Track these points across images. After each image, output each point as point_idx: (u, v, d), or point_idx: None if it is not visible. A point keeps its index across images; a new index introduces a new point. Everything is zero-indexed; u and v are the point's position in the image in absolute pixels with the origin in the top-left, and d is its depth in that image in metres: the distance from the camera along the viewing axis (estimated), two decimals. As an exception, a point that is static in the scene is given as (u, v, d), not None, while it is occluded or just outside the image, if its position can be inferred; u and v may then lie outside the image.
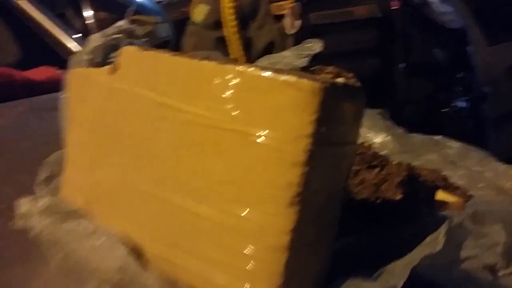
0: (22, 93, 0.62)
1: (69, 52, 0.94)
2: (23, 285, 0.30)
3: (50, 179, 0.33)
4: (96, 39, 0.51)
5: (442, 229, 0.22)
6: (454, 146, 0.44)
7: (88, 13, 1.22)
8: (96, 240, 0.23)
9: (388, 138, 0.45)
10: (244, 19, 1.37)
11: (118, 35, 0.51)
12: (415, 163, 0.39)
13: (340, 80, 0.22)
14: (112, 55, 0.49)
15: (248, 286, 0.22)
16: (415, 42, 0.82)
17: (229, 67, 0.22)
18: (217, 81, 0.23)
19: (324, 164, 0.21)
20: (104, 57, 0.49)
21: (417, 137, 0.45)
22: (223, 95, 0.22)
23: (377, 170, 0.34)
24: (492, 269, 0.23)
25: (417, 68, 0.80)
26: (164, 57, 0.25)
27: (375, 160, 0.35)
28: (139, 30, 0.56)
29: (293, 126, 0.20)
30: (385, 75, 0.78)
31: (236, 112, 0.22)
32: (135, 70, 0.26)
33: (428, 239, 0.23)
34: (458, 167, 0.42)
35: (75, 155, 0.30)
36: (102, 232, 0.24)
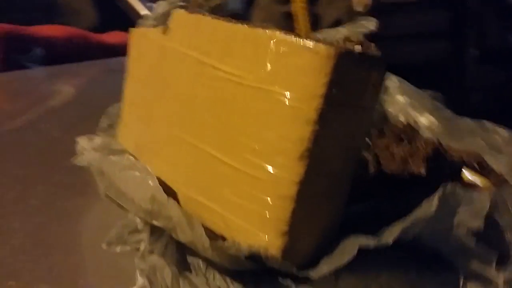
0: (97, 55, 0.68)
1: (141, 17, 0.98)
2: (82, 213, 0.34)
3: (110, 126, 0.37)
4: (162, 5, 0.55)
5: (436, 196, 0.24)
6: (502, 133, 0.44)
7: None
8: (134, 172, 0.27)
9: (434, 119, 0.45)
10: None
11: (182, 3, 0.55)
12: (456, 145, 0.40)
13: (358, 48, 0.24)
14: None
15: (259, 231, 0.24)
16: (490, 27, 0.78)
17: (260, 31, 0.25)
18: (248, 43, 0.25)
19: (336, 124, 0.23)
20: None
21: (465, 121, 0.44)
22: (253, 56, 0.25)
23: (405, 143, 0.35)
24: (476, 234, 0.24)
25: (490, 55, 0.77)
26: (206, 20, 0.28)
27: (405, 134, 0.36)
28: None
29: (308, 86, 0.22)
30: (455, 60, 0.76)
31: (262, 72, 0.24)
32: (182, 31, 0.29)
33: (422, 204, 0.24)
34: (502, 154, 0.42)
35: (130, 106, 0.34)
36: (139, 166, 0.27)
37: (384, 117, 0.50)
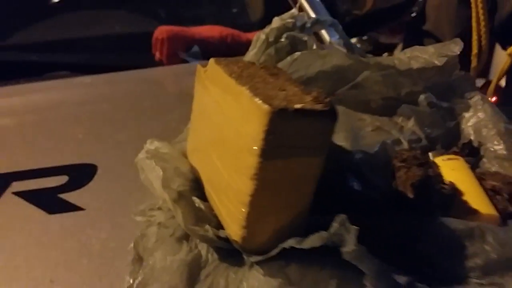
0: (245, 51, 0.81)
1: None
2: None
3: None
4: (275, 21, 0.65)
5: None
6: None
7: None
8: (156, 171, 0.39)
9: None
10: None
11: (291, 20, 0.65)
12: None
13: (298, 106, 0.31)
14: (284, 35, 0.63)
15: (232, 224, 0.35)
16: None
17: (241, 89, 0.34)
18: (236, 96, 0.35)
19: (277, 159, 0.32)
20: (276, 38, 0.64)
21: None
22: (236, 105, 0.35)
23: (405, 169, 0.40)
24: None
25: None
26: (221, 74, 0.38)
27: (406, 161, 0.41)
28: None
29: (256, 131, 0.32)
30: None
31: (239, 117, 0.34)
32: (212, 75, 0.41)
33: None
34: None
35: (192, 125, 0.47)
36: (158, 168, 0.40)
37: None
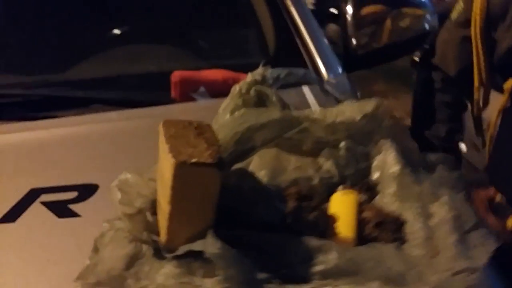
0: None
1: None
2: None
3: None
4: (248, 76, 0.84)
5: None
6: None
7: (348, 9, 1.50)
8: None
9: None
10: (492, 20, 1.45)
11: (260, 76, 0.83)
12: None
13: (200, 158, 0.50)
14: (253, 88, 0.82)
15: (162, 235, 0.54)
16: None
17: (168, 148, 0.54)
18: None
19: (186, 193, 0.51)
20: (247, 90, 0.83)
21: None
22: (167, 158, 0.54)
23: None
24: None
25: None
26: (161, 133, 0.57)
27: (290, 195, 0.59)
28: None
29: (168, 175, 0.51)
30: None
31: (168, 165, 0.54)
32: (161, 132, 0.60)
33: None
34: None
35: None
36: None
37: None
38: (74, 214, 0.65)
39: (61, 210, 0.65)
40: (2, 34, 1.39)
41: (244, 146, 0.71)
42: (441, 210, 0.62)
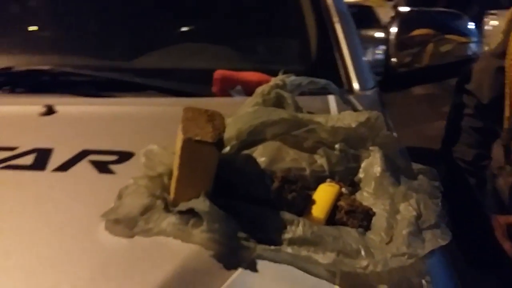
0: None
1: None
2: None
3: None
4: (273, 80, 0.98)
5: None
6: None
7: (393, 29, 1.60)
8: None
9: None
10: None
11: (281, 81, 0.97)
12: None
13: (203, 137, 0.65)
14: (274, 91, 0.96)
15: (171, 193, 0.69)
16: None
17: (180, 125, 0.69)
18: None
19: (190, 164, 0.66)
20: (268, 92, 0.97)
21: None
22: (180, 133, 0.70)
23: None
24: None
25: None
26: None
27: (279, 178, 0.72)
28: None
29: (179, 145, 0.66)
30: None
31: (179, 137, 0.69)
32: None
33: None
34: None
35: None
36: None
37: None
38: (111, 172, 0.81)
39: (102, 168, 0.82)
40: (87, 25, 1.61)
41: (256, 137, 0.85)
42: (406, 209, 0.73)
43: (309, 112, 0.95)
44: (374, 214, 0.73)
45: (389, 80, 1.56)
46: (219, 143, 0.67)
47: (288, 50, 1.46)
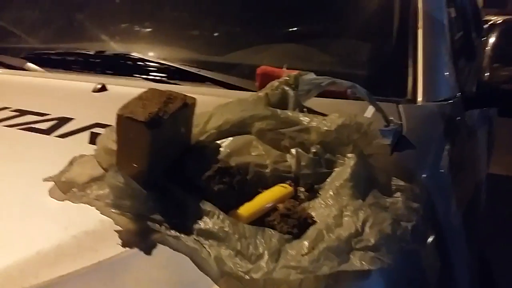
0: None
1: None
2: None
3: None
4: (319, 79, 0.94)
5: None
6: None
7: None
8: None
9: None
10: None
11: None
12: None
13: (139, 117, 0.66)
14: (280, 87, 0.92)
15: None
16: None
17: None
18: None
19: (124, 144, 0.67)
20: (276, 87, 0.93)
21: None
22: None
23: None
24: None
25: None
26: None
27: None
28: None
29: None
30: None
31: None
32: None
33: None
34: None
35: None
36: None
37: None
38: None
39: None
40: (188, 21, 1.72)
41: (240, 130, 0.83)
42: (348, 224, 0.65)
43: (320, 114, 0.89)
44: (313, 223, 0.67)
45: (479, 96, 1.37)
46: (152, 123, 0.67)
47: (357, 53, 1.38)
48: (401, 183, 0.74)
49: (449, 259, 1.02)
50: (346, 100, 1.11)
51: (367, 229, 0.64)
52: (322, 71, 1.17)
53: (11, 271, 0.56)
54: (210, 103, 0.89)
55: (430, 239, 0.96)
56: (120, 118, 0.68)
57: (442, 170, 1.08)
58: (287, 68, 1.15)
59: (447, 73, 1.32)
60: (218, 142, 0.80)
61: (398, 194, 0.73)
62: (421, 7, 1.38)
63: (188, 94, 0.91)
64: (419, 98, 1.20)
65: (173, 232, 0.63)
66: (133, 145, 0.69)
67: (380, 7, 1.45)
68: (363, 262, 0.60)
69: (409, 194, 0.73)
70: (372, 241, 0.63)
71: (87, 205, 0.68)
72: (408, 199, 0.72)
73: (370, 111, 1.05)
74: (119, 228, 0.64)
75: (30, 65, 1.48)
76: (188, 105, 0.76)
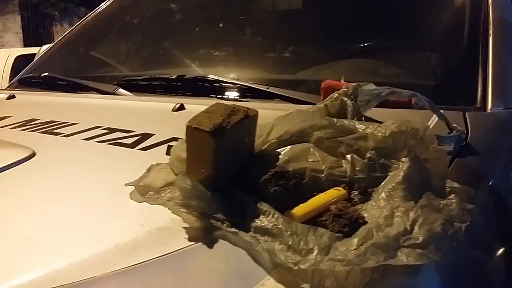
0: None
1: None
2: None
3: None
4: (379, 89, 0.99)
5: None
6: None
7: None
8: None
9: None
10: None
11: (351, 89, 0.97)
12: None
13: (205, 127, 0.74)
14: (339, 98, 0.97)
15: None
16: None
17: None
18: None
19: (193, 152, 0.76)
20: (336, 98, 0.98)
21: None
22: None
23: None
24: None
25: None
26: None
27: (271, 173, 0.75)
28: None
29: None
30: None
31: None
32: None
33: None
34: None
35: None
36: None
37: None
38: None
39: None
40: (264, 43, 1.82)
41: (299, 139, 0.89)
42: (398, 223, 0.68)
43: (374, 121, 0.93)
44: (364, 223, 0.70)
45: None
46: (216, 132, 0.75)
47: (425, 63, 1.38)
48: (456, 185, 0.75)
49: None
50: (411, 110, 1.13)
51: (416, 228, 0.67)
52: (390, 83, 1.20)
53: (95, 259, 0.66)
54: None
55: (500, 251, 0.95)
56: (189, 129, 0.77)
57: (514, 177, 1.06)
58: (348, 81, 1.19)
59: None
60: (278, 150, 0.87)
61: (452, 196, 0.74)
62: (492, 13, 1.36)
63: (258, 110, 1.00)
64: (489, 105, 1.18)
65: (233, 229, 0.70)
66: (200, 153, 0.78)
67: (449, 15, 1.45)
68: (409, 258, 0.62)
69: (464, 195, 0.74)
70: (421, 239, 0.65)
71: (161, 206, 0.76)
72: (463, 200, 0.73)
73: (434, 120, 1.06)
74: (186, 225, 0.73)
75: (121, 90, 1.64)
76: (250, 117, 0.83)
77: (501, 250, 0.94)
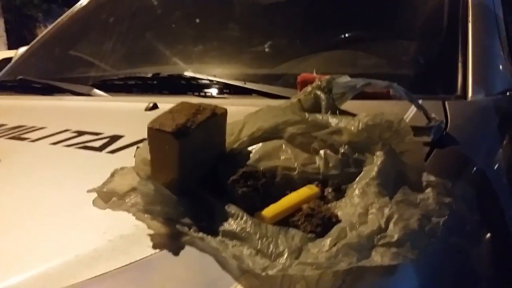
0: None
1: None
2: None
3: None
4: (353, 81, 0.95)
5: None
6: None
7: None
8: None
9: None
10: None
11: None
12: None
13: (167, 128, 0.70)
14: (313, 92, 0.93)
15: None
16: None
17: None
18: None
19: (156, 154, 0.72)
20: (309, 92, 0.94)
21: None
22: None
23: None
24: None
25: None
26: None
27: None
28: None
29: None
30: None
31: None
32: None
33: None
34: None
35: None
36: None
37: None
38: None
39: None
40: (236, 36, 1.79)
41: (272, 136, 0.85)
42: (372, 221, 0.64)
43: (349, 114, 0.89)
44: (337, 222, 0.67)
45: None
46: (179, 133, 0.71)
47: (404, 53, 1.35)
48: (433, 178, 0.72)
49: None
50: (389, 100, 1.09)
51: (391, 226, 0.63)
52: (368, 74, 1.16)
53: (52, 272, 0.62)
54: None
55: (486, 237, 0.92)
56: (151, 130, 0.73)
57: (497, 165, 1.03)
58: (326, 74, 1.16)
59: (501, 66, 1.25)
60: (249, 148, 0.83)
61: (429, 189, 0.71)
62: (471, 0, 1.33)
63: (234, 106, 0.96)
64: (470, 93, 1.15)
65: (200, 234, 0.66)
66: (164, 155, 0.74)
67: (428, 2, 1.42)
68: (384, 258, 0.59)
69: (441, 188, 0.70)
70: (396, 236, 0.62)
71: (125, 212, 0.72)
72: (440, 193, 0.70)
73: (412, 110, 1.02)
74: (151, 231, 0.69)
75: (96, 91, 1.59)
76: (217, 115, 0.79)
77: (484, 239, 0.91)
